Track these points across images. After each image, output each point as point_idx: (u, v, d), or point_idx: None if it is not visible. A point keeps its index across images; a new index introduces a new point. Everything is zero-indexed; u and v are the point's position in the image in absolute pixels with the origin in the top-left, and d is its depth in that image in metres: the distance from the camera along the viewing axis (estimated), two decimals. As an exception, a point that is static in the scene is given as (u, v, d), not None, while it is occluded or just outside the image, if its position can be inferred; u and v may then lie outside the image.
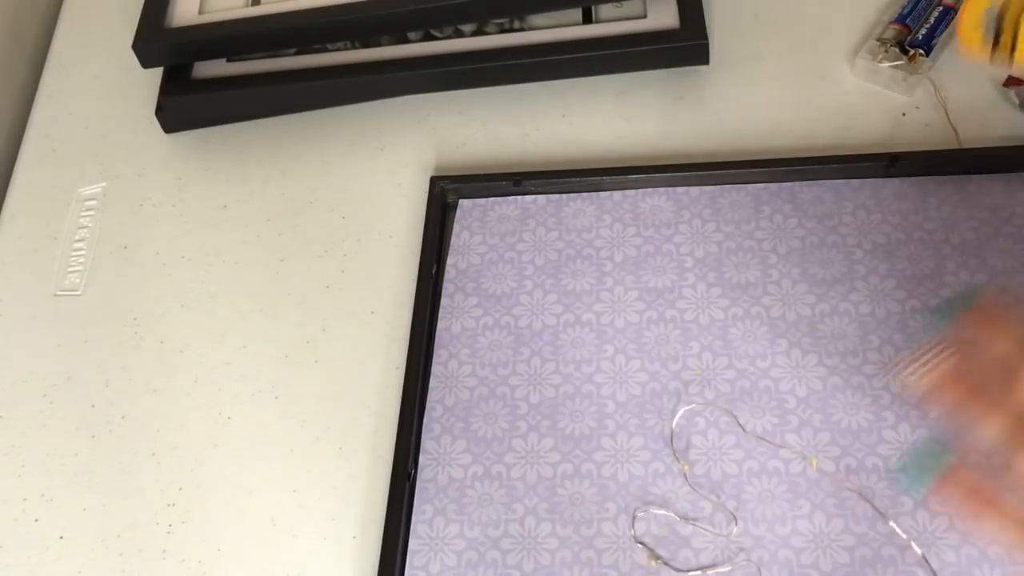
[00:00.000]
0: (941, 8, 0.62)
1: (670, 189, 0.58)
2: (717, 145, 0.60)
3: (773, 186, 0.57)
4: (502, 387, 0.53)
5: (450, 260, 0.57)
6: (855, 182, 0.57)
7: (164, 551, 0.51)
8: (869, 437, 0.49)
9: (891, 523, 0.46)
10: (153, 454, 0.55)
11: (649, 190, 0.58)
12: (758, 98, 0.62)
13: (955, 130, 0.58)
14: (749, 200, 0.57)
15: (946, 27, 0.61)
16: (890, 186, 0.56)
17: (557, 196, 0.59)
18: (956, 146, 0.58)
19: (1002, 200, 0.55)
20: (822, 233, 0.55)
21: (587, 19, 0.63)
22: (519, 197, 0.59)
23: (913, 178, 0.56)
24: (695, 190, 0.58)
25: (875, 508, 0.46)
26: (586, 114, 0.63)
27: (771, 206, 0.57)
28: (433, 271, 0.57)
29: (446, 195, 0.60)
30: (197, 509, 0.53)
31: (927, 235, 0.54)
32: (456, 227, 0.59)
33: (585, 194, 0.59)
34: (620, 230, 0.57)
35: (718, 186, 0.58)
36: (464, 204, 0.59)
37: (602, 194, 0.59)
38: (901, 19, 0.62)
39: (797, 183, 0.57)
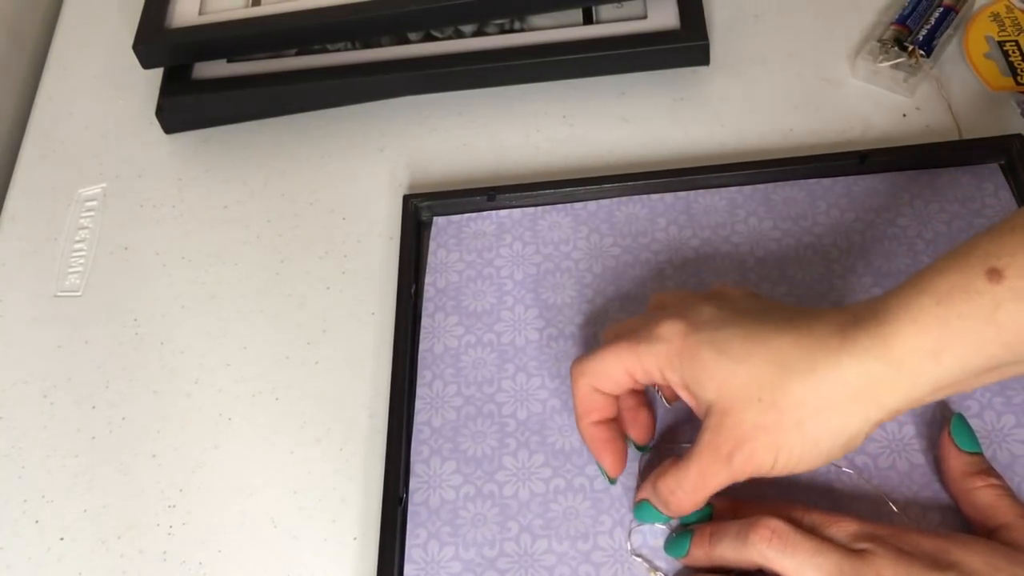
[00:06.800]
0: (941, 9, 0.62)
1: (644, 196, 0.58)
2: (717, 147, 0.60)
3: (747, 189, 0.57)
4: (489, 405, 0.52)
5: (428, 279, 0.57)
6: (827, 181, 0.57)
7: (165, 552, 0.51)
8: None
9: None
10: (153, 455, 0.55)
11: (623, 199, 0.58)
12: (758, 99, 0.62)
13: (958, 125, 0.58)
14: (724, 204, 0.57)
15: (947, 28, 0.61)
16: (861, 183, 0.56)
17: (532, 209, 0.58)
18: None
19: (972, 192, 0.55)
20: (798, 234, 0.55)
21: (587, 20, 0.63)
22: (494, 212, 0.59)
23: (884, 174, 0.56)
24: (669, 196, 0.57)
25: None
26: (586, 115, 0.63)
27: (746, 209, 0.56)
28: (412, 291, 0.56)
29: (420, 212, 0.59)
30: (198, 510, 0.53)
31: (900, 231, 0.54)
32: (432, 245, 0.58)
33: (560, 205, 0.58)
34: (597, 241, 0.57)
35: (692, 191, 0.57)
36: (439, 221, 0.59)
37: (576, 205, 0.58)
38: (901, 20, 0.62)
39: (770, 184, 0.57)
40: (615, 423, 0.48)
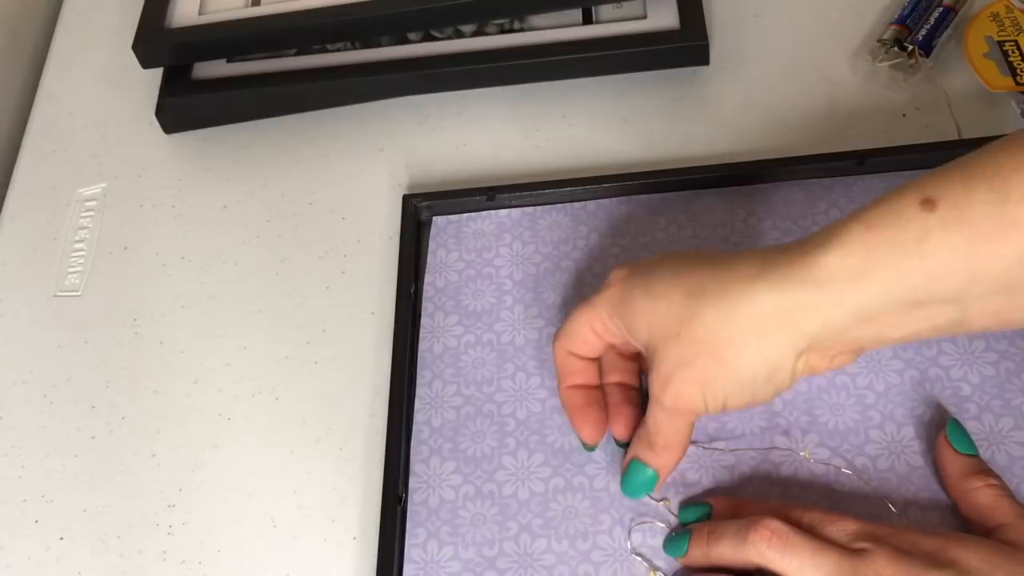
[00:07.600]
0: (941, 9, 0.62)
1: (644, 196, 0.58)
2: (717, 147, 0.60)
3: (746, 189, 0.57)
4: (488, 404, 0.52)
5: (427, 279, 0.57)
6: (826, 181, 0.57)
7: (164, 552, 0.52)
8: (856, 438, 0.48)
9: None
10: (153, 455, 0.55)
11: (623, 199, 0.58)
12: (758, 99, 0.62)
13: (957, 125, 0.58)
14: (723, 204, 0.57)
15: (946, 28, 0.61)
16: (861, 183, 0.56)
17: (531, 209, 0.58)
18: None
19: None
20: (798, 234, 0.55)
21: (587, 20, 0.63)
22: (493, 212, 0.59)
23: (884, 174, 0.56)
24: (669, 196, 0.57)
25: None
26: (586, 115, 0.63)
27: (745, 209, 0.56)
28: (411, 291, 0.56)
29: (419, 212, 0.59)
30: (197, 510, 0.53)
31: None
32: (432, 244, 0.58)
33: (559, 205, 0.58)
34: (596, 240, 0.57)
35: (691, 191, 0.57)
36: (438, 221, 0.59)
37: (576, 205, 0.58)
38: (901, 20, 0.62)
39: (769, 184, 0.57)
40: (595, 391, 0.48)
